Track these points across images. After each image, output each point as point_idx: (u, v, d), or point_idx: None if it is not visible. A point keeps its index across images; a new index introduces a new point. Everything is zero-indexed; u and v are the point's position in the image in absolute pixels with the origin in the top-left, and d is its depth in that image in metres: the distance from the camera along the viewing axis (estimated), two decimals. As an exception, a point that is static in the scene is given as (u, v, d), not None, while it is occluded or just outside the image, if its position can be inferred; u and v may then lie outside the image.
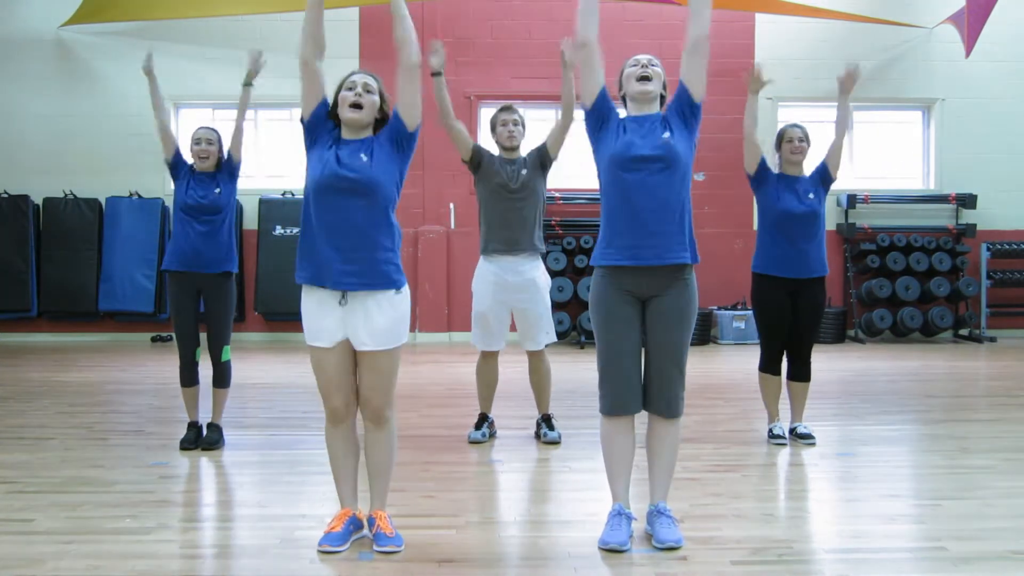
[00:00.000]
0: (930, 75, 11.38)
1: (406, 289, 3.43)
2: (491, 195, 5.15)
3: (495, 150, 5.28)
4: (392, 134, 3.44)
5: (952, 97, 11.41)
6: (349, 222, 3.31)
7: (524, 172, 5.14)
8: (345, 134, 3.45)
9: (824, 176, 5.14)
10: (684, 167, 3.47)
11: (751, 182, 5.16)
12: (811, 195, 5.07)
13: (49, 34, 10.95)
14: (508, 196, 5.11)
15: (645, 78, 3.53)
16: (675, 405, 3.49)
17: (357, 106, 3.39)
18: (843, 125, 5.13)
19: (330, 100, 3.45)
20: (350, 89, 3.41)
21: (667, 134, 3.47)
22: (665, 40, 11.03)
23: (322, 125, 3.45)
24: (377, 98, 3.45)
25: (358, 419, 3.53)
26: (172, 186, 5.25)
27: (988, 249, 11.13)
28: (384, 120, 3.50)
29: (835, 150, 5.13)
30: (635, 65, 3.57)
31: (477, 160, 5.18)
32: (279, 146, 11.27)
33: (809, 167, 5.23)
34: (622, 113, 3.60)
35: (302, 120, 3.47)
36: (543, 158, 5.20)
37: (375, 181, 3.33)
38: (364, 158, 3.35)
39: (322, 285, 3.34)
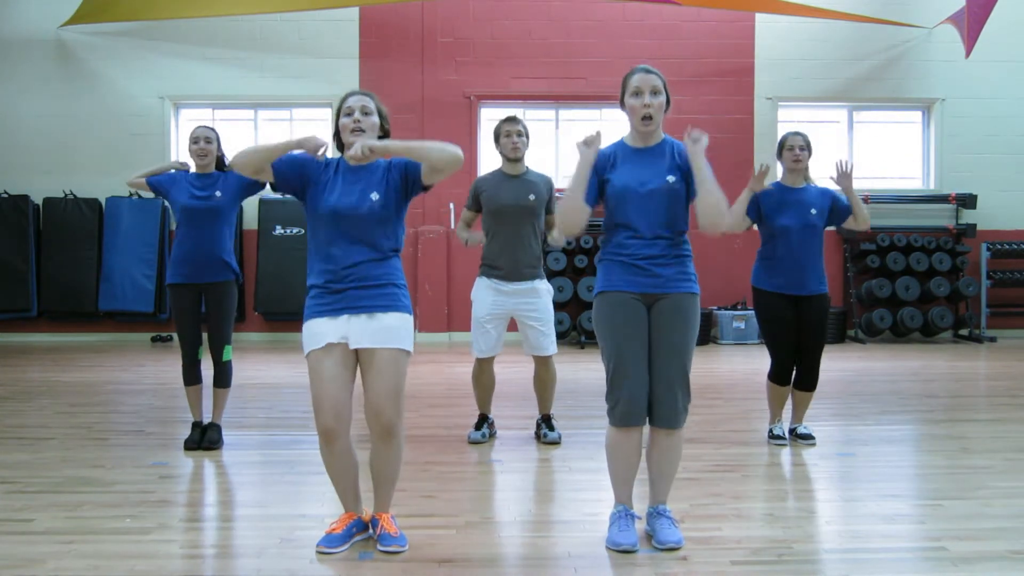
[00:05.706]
0: (930, 75, 11.39)
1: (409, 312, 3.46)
2: (491, 217, 5.15)
3: (498, 160, 5.26)
4: (404, 183, 3.41)
5: (952, 97, 11.41)
6: (357, 250, 3.33)
7: (532, 197, 5.11)
8: (351, 161, 3.43)
9: (839, 215, 5.05)
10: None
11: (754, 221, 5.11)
12: (813, 211, 4.99)
13: (49, 34, 10.95)
14: (508, 215, 5.08)
15: (647, 118, 3.46)
16: (679, 417, 3.47)
17: (360, 131, 3.37)
18: (858, 209, 5.01)
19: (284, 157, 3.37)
20: (348, 115, 3.39)
21: (671, 178, 3.45)
22: (665, 40, 11.06)
23: (298, 170, 3.37)
24: (376, 118, 3.44)
25: (359, 419, 3.53)
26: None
27: (988, 249, 11.13)
28: (386, 137, 3.50)
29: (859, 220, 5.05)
30: (636, 96, 3.47)
31: (477, 200, 5.21)
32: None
33: (818, 179, 5.22)
34: (609, 135, 3.52)
35: (272, 186, 3.45)
36: (550, 206, 5.21)
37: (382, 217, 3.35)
38: (375, 197, 3.34)
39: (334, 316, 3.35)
